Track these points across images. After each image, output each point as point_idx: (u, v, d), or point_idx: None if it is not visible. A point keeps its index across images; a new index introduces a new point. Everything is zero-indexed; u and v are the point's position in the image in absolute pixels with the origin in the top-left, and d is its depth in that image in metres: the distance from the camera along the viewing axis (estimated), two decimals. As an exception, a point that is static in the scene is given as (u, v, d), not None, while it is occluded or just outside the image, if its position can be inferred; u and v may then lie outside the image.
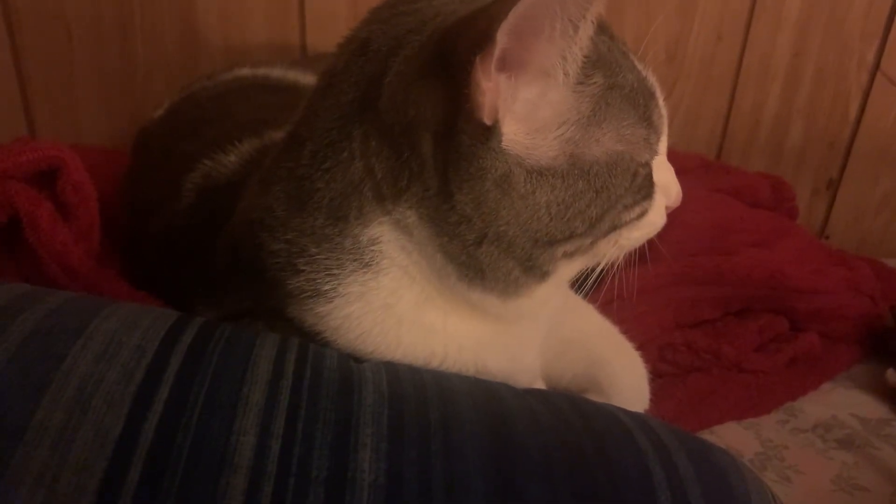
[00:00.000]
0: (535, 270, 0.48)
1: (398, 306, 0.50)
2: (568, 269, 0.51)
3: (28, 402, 0.39)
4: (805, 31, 1.25)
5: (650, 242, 0.58)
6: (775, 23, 1.23)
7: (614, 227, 0.49)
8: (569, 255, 0.49)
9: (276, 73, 0.83)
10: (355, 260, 0.49)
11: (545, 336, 0.60)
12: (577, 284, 0.60)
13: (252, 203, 0.52)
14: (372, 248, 0.48)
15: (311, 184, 0.48)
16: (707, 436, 0.76)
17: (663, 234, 0.55)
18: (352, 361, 0.49)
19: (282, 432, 0.41)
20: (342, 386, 0.45)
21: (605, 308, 0.73)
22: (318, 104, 0.49)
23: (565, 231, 0.47)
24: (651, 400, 0.69)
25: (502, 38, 0.40)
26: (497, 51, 0.40)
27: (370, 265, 0.49)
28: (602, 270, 0.53)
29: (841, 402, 0.84)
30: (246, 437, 0.40)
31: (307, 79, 0.81)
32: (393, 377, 0.47)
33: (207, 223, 0.59)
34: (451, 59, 0.42)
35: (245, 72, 0.84)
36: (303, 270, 0.49)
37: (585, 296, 0.71)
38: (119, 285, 0.62)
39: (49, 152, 0.62)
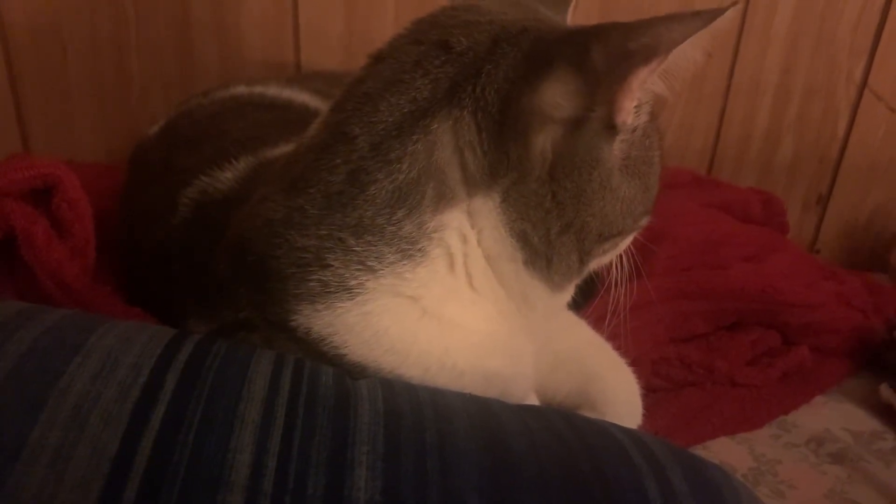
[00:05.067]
0: (583, 265, 0.53)
1: (424, 299, 0.51)
2: (592, 267, 0.56)
3: (25, 420, 0.39)
4: (794, 48, 1.26)
5: (643, 257, 0.59)
6: (765, 40, 1.25)
7: (632, 231, 0.56)
8: (604, 252, 0.54)
9: (272, 91, 0.84)
10: (399, 251, 0.50)
11: (538, 350, 0.61)
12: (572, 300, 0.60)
13: (276, 205, 0.52)
14: (434, 234, 0.50)
15: (367, 175, 0.49)
16: (700, 451, 0.76)
17: (656, 249, 0.56)
18: (348, 378, 0.49)
19: (278, 450, 0.41)
20: (338, 403, 0.45)
21: (598, 323, 0.73)
22: (379, 99, 0.51)
23: (620, 226, 0.53)
24: (644, 415, 0.69)
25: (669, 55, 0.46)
26: (660, 66, 0.46)
27: (413, 256, 0.50)
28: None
29: (833, 416, 0.85)
30: (242, 454, 0.40)
31: (301, 97, 0.82)
32: (389, 394, 0.47)
33: (202, 237, 0.59)
34: (595, 64, 0.47)
35: (241, 89, 0.85)
36: (331, 266, 0.50)
37: (578, 311, 0.72)
38: (114, 302, 0.62)
39: (45, 170, 0.62)
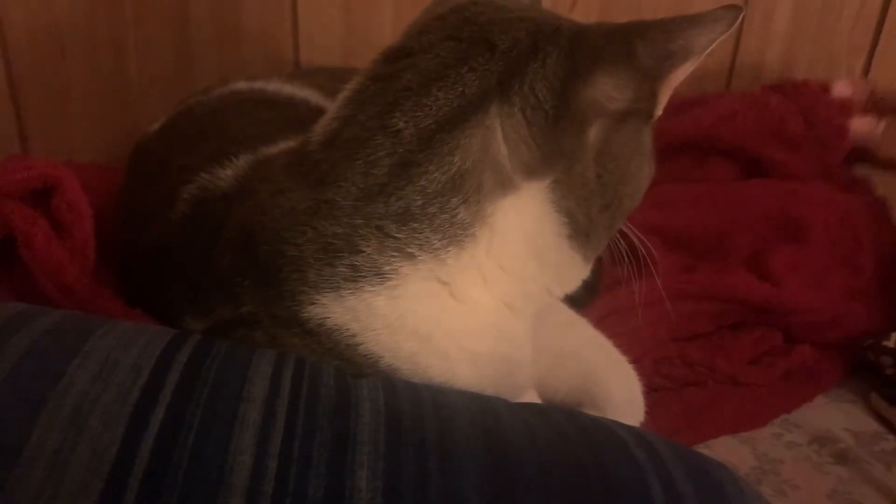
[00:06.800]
0: (606, 241, 0.58)
1: (455, 283, 0.52)
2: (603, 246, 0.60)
3: (24, 422, 0.39)
4: (794, 45, 1.26)
5: (644, 257, 0.59)
6: (765, 36, 1.25)
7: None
8: (616, 231, 0.59)
9: (272, 87, 0.83)
10: (447, 237, 0.51)
11: (537, 348, 0.61)
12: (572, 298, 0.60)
13: (301, 195, 0.52)
14: (488, 218, 0.52)
15: (417, 168, 0.50)
16: (702, 450, 0.75)
17: (658, 246, 0.57)
18: (349, 378, 0.49)
19: (278, 451, 0.41)
20: (339, 403, 0.45)
21: (601, 322, 0.73)
22: (423, 94, 0.51)
23: (636, 205, 0.58)
24: (646, 414, 0.69)
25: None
26: (693, 66, 0.52)
27: (462, 241, 0.51)
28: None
29: (835, 415, 0.85)
30: (243, 456, 0.40)
31: (303, 93, 0.82)
32: (390, 393, 0.47)
33: (202, 233, 0.58)
34: (642, 61, 0.50)
35: (241, 85, 0.84)
36: (363, 251, 0.50)
37: (581, 309, 0.72)
38: (114, 303, 0.62)
39: (44, 171, 0.62)
